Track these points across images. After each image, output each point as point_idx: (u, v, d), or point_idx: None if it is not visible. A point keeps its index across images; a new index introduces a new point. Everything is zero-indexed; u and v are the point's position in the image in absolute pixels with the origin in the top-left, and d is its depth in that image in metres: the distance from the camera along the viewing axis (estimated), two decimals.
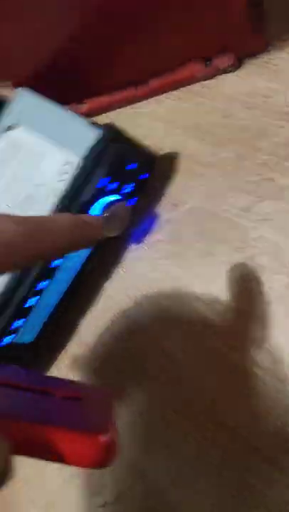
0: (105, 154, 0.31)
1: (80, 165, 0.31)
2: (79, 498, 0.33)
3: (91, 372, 0.36)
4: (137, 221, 0.36)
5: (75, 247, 0.20)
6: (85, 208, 0.31)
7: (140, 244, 0.36)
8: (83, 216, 0.22)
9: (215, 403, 0.30)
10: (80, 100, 0.42)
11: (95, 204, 0.31)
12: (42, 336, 0.34)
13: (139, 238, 0.36)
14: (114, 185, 0.32)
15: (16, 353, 0.32)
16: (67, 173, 0.31)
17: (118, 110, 0.41)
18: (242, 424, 0.29)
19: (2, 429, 0.14)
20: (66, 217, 0.19)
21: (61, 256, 0.20)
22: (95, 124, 0.32)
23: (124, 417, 0.32)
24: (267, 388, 0.29)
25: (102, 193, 0.31)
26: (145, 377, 0.33)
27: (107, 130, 0.30)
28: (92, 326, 0.36)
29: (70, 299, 0.35)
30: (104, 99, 0.41)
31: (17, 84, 0.38)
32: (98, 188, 0.31)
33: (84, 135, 0.32)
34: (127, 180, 0.33)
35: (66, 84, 0.39)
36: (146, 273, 0.35)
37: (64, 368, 0.37)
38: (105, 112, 0.42)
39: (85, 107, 0.42)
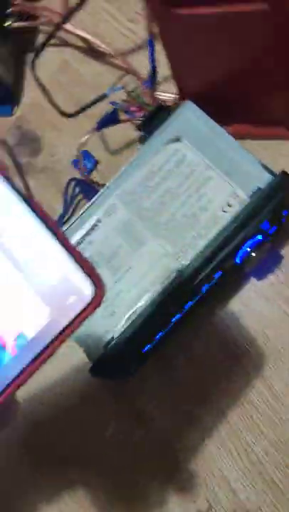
0: (273, 199, 0.33)
1: (248, 203, 0.33)
2: None
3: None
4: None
5: None
6: (239, 245, 0.33)
7: (261, 281, 0.38)
8: None
9: None
10: (227, 122, 0.43)
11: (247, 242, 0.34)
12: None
13: (260, 275, 0.38)
14: (267, 227, 0.34)
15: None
16: (231, 206, 0.34)
17: (260, 141, 0.43)
18: None
19: None
20: None
21: None
22: (266, 166, 0.34)
23: None
24: None
25: (257, 233, 0.34)
26: None
27: (282, 178, 0.33)
28: None
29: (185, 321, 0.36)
30: (251, 128, 0.43)
31: (182, 97, 0.39)
32: (259, 228, 0.33)
33: (253, 174, 0.34)
34: (275, 222, 0.36)
35: (223, 106, 0.40)
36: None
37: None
38: (248, 139, 0.44)
39: (230, 128, 0.43)
